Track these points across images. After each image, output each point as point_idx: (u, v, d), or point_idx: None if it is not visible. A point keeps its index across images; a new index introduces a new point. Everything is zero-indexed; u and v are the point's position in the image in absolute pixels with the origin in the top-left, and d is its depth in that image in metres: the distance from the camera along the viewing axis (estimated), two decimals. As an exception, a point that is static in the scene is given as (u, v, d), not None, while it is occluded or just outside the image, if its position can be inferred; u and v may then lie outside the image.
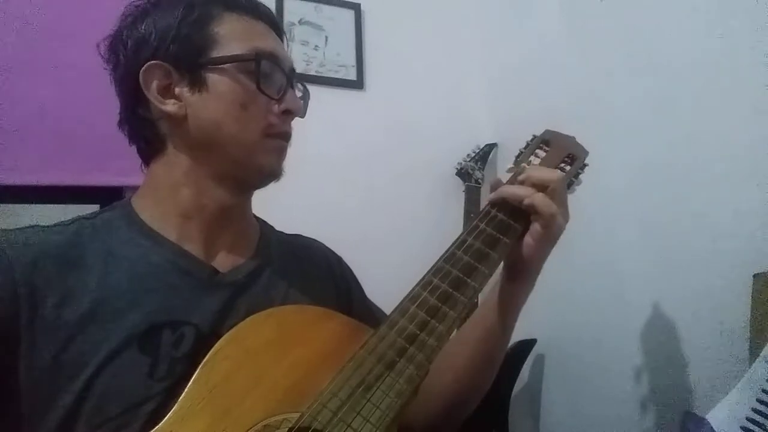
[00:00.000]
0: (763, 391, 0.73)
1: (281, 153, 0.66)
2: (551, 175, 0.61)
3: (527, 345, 1.46)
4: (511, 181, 0.64)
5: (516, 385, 1.48)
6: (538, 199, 0.59)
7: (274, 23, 0.67)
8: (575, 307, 1.39)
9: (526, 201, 0.59)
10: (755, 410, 0.72)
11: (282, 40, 0.68)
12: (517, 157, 0.70)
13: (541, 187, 0.60)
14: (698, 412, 0.82)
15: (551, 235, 0.60)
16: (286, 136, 0.66)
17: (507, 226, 0.61)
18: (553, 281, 1.38)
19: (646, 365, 1.18)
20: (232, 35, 0.61)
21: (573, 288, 1.38)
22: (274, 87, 0.63)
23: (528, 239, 0.61)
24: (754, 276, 0.93)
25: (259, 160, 0.63)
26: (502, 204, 0.62)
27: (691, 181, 1.09)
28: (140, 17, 0.61)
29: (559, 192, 0.60)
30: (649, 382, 1.17)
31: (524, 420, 1.55)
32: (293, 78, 0.67)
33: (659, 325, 1.16)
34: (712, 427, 0.75)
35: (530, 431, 1.54)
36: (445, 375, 0.68)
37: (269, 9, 0.67)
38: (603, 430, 1.27)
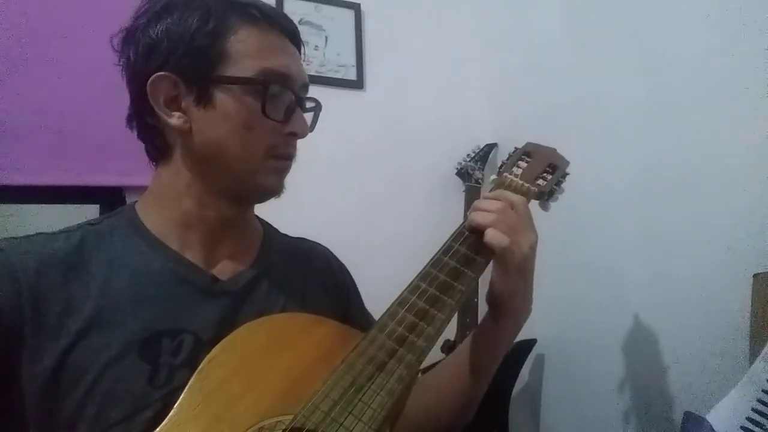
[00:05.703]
0: (763, 391, 0.73)
1: (283, 173, 0.65)
2: (491, 205, 0.62)
3: (527, 345, 1.46)
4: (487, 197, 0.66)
5: (516, 385, 1.48)
6: (488, 235, 0.59)
7: (293, 35, 0.65)
8: (575, 307, 1.39)
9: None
10: (755, 410, 0.72)
11: (300, 52, 0.66)
12: (500, 167, 0.73)
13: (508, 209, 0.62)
14: (698, 412, 0.82)
15: (510, 265, 0.60)
16: (289, 157, 0.65)
17: None
18: (554, 281, 1.39)
19: (646, 365, 1.18)
20: (244, 52, 0.59)
21: (573, 288, 1.38)
22: (281, 108, 0.61)
23: (493, 273, 0.62)
24: (754, 276, 0.93)
25: (260, 181, 0.63)
26: None
27: (691, 182, 1.09)
28: (154, 19, 0.59)
29: (500, 226, 0.60)
30: (649, 381, 1.17)
31: (524, 420, 1.55)
32: (304, 95, 0.66)
33: (659, 325, 1.16)
34: (712, 427, 0.75)
35: (530, 431, 1.54)
36: (420, 400, 0.67)
37: (288, 19, 0.65)
38: (603, 430, 1.27)
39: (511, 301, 0.62)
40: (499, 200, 0.63)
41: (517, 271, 0.60)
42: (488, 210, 0.61)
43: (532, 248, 0.61)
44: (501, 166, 0.73)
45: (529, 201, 0.67)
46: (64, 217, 1.26)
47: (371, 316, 0.78)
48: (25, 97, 1.18)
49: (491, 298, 0.64)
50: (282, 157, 0.64)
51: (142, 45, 0.59)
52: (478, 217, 0.61)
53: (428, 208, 1.67)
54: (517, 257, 0.59)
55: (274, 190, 0.65)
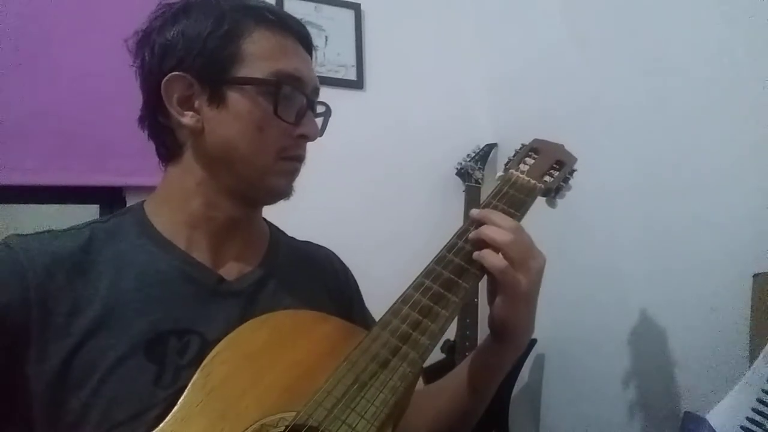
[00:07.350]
0: (763, 391, 0.73)
1: (293, 175, 0.66)
2: (502, 236, 0.57)
3: (527, 345, 1.46)
4: (486, 204, 0.64)
5: (516, 385, 1.48)
6: (487, 258, 0.57)
7: (305, 39, 0.65)
8: (575, 307, 1.39)
9: (475, 256, 0.58)
10: (755, 410, 0.72)
11: (311, 56, 0.67)
12: (506, 164, 0.72)
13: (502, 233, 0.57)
14: (698, 412, 0.82)
15: (512, 292, 0.57)
16: (299, 159, 0.65)
17: None
18: (554, 281, 1.38)
19: (647, 365, 1.18)
20: (258, 54, 0.60)
21: (573, 288, 1.38)
22: (293, 110, 0.62)
23: (497, 299, 0.59)
24: (754, 276, 0.93)
25: (270, 182, 0.63)
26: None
27: (692, 182, 1.09)
28: (170, 22, 0.60)
29: (513, 249, 0.56)
30: (649, 382, 1.17)
31: (524, 420, 1.55)
32: (315, 98, 0.66)
33: (659, 325, 1.16)
34: (712, 427, 0.75)
35: (530, 431, 1.54)
36: (419, 419, 0.67)
37: (301, 24, 0.65)
38: (603, 430, 1.27)
39: (516, 328, 0.60)
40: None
41: (523, 300, 0.58)
42: (503, 227, 0.57)
43: (540, 273, 0.58)
44: (508, 162, 0.72)
45: (536, 198, 0.67)
46: (64, 217, 1.26)
47: (373, 320, 0.78)
48: (26, 97, 1.18)
49: (493, 325, 0.61)
50: (292, 159, 0.64)
51: (158, 46, 0.60)
52: (492, 233, 0.57)
53: (428, 208, 1.67)
54: (524, 286, 0.57)
55: (283, 192, 0.65)
